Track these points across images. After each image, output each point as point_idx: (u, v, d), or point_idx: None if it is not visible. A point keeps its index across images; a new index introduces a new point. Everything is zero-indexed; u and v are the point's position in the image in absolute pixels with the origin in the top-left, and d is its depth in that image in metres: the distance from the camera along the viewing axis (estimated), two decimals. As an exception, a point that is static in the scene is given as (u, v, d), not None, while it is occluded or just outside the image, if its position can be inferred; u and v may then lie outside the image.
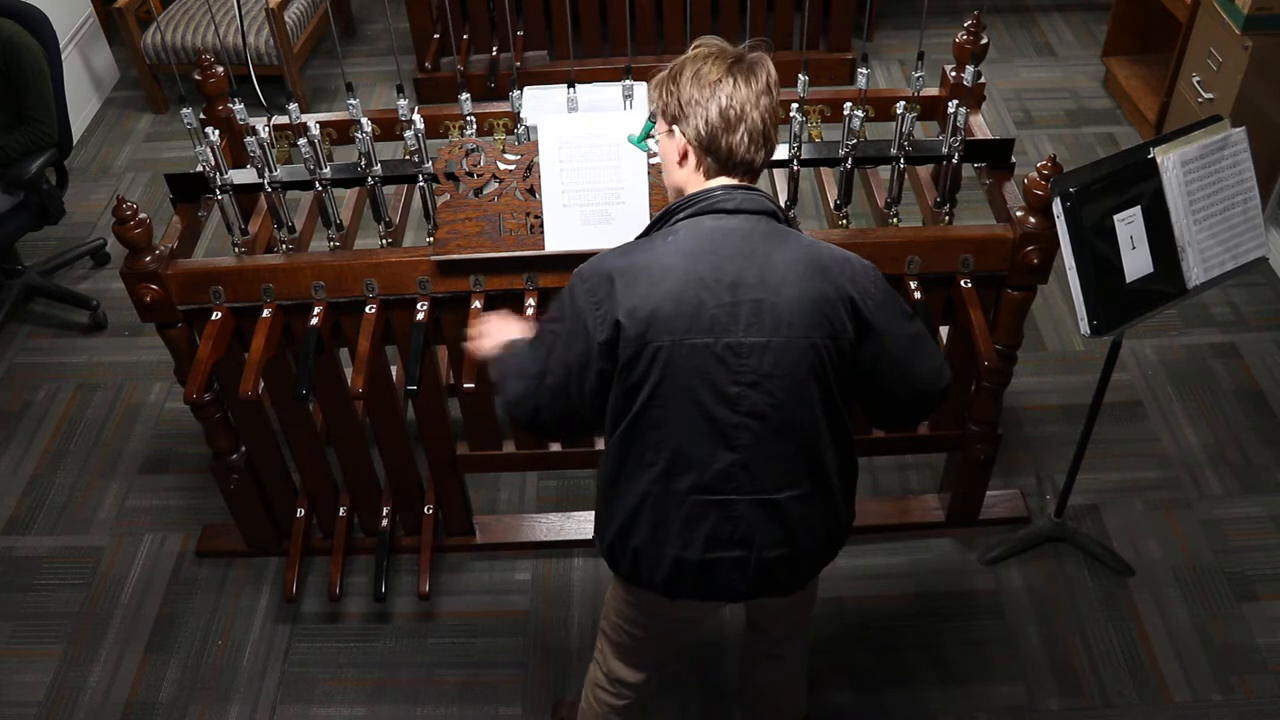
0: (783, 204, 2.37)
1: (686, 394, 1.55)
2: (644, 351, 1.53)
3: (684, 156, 1.61)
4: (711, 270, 1.53)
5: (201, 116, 2.46)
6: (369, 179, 2.21)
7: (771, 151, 1.61)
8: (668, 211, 1.62)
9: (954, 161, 2.25)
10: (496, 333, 1.78)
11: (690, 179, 1.62)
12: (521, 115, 2.23)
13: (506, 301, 2.18)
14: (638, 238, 1.66)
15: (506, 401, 1.67)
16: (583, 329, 1.56)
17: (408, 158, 2.21)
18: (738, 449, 1.57)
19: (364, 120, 2.16)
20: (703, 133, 1.56)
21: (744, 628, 2.11)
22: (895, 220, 2.31)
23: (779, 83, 1.59)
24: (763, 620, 2.01)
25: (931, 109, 2.57)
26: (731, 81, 1.54)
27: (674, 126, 1.59)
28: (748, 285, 1.53)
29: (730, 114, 1.54)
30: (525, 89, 2.24)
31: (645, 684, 1.98)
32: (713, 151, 1.57)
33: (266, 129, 2.27)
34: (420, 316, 2.17)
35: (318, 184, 2.21)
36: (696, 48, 1.60)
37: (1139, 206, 2.02)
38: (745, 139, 1.56)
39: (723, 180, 1.60)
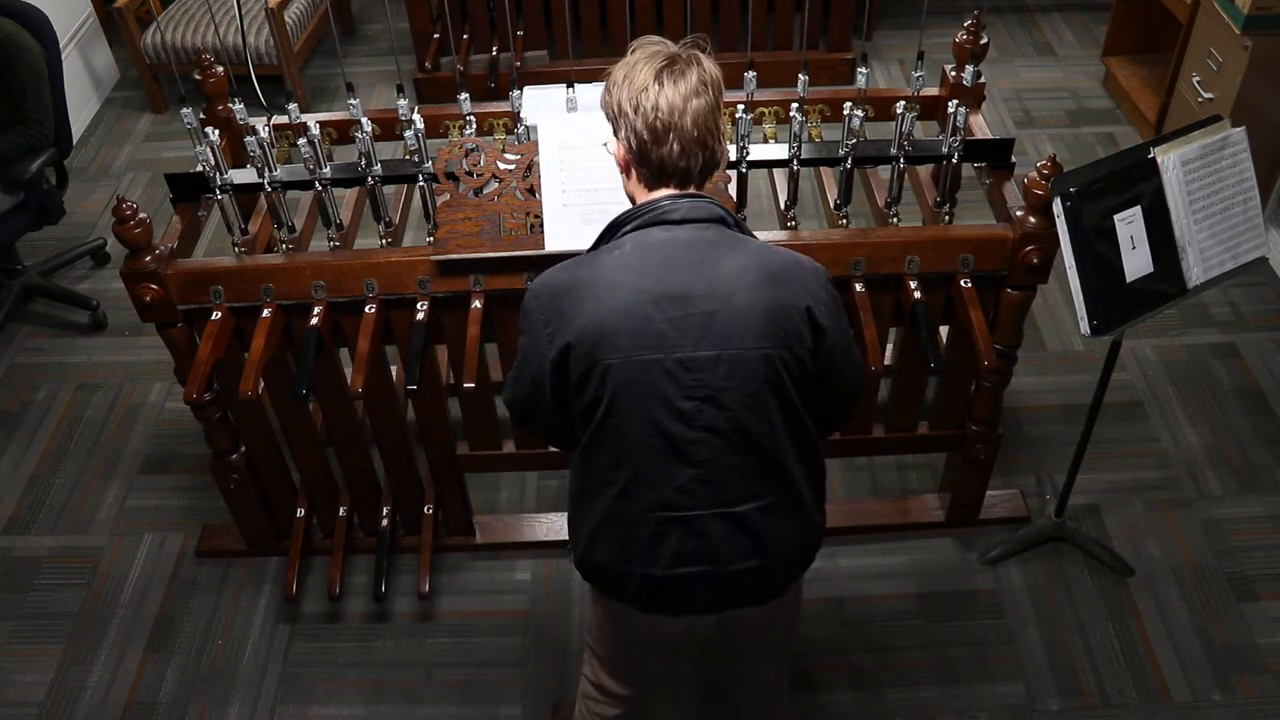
0: (783, 204, 2.38)
1: (640, 412, 1.52)
2: (594, 370, 1.51)
3: (626, 167, 1.58)
4: (658, 283, 1.49)
5: (201, 116, 2.46)
6: (369, 179, 2.21)
7: (714, 153, 1.54)
8: (614, 224, 1.59)
9: (954, 161, 2.25)
10: None
11: (636, 189, 1.60)
12: (521, 115, 2.22)
13: (506, 302, 2.19)
14: (587, 250, 1.62)
15: (505, 401, 1.70)
16: (537, 346, 1.55)
17: (408, 158, 2.21)
18: (696, 464, 1.54)
19: (364, 120, 2.16)
20: (633, 145, 1.52)
21: (719, 657, 2.03)
22: (895, 220, 2.31)
23: (718, 80, 1.53)
24: (741, 640, 1.94)
25: (931, 109, 2.57)
26: (658, 88, 1.48)
27: (616, 134, 1.56)
28: (696, 297, 1.49)
29: (658, 125, 1.48)
30: (525, 89, 2.24)
31: (636, 696, 1.95)
32: (646, 163, 1.53)
33: (266, 129, 2.27)
34: (420, 316, 2.17)
35: (318, 184, 2.21)
36: (632, 50, 1.54)
37: (1139, 206, 2.02)
38: (676, 148, 1.50)
39: (667, 190, 1.56)
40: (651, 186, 1.57)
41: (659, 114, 1.48)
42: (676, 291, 1.49)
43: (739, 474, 1.56)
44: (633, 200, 1.61)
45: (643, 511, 1.58)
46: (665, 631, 1.82)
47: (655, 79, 1.48)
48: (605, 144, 1.64)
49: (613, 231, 1.59)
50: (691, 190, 1.57)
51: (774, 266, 1.54)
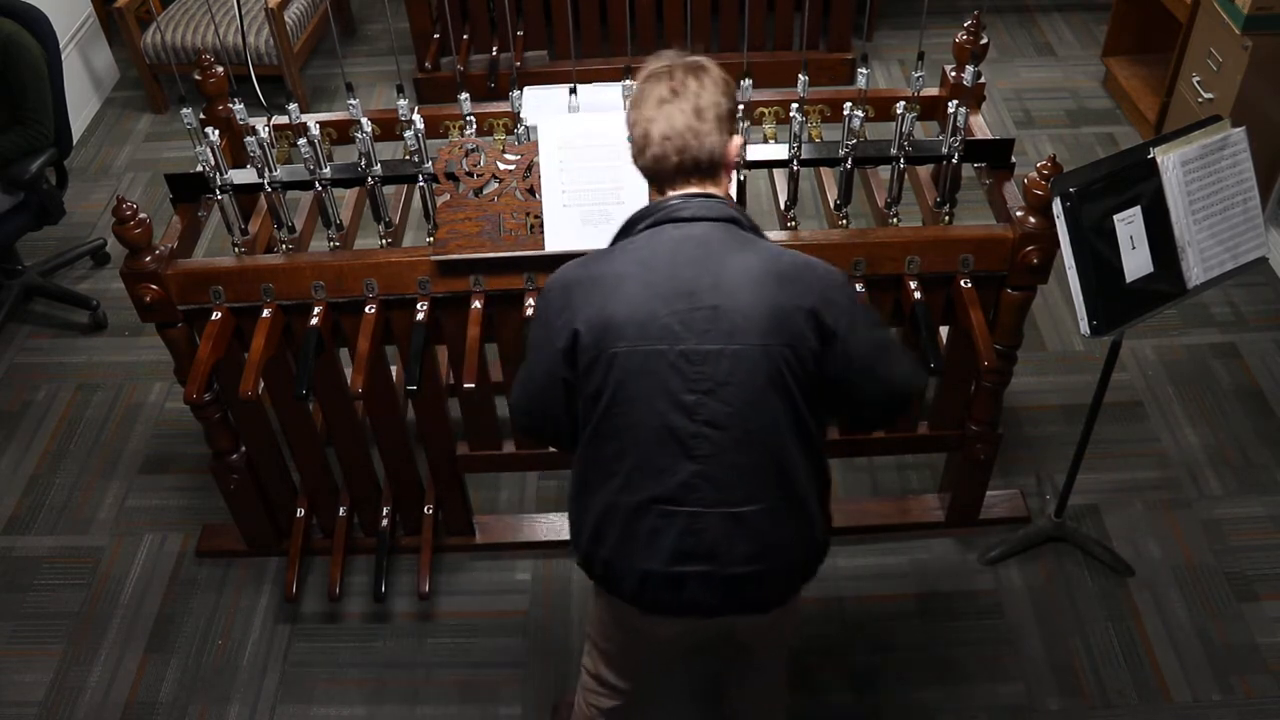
0: (783, 204, 2.38)
1: (643, 402, 1.54)
2: (600, 359, 1.55)
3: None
4: (666, 278, 1.54)
5: (201, 116, 2.46)
6: (369, 179, 2.21)
7: (690, 151, 1.56)
8: (630, 221, 1.64)
9: (954, 161, 2.25)
10: None
11: (651, 195, 1.66)
12: (521, 115, 2.23)
13: (506, 302, 2.19)
14: (605, 248, 1.68)
15: (509, 405, 1.71)
16: (549, 338, 1.59)
17: (408, 158, 2.21)
18: (697, 459, 1.56)
19: (364, 120, 2.16)
20: (632, 152, 1.62)
21: (721, 657, 2.05)
22: (895, 220, 2.31)
23: (692, 86, 1.55)
24: (744, 643, 1.94)
25: (931, 109, 2.57)
26: (639, 101, 1.58)
27: None
28: (703, 292, 1.53)
29: (637, 136, 1.58)
30: (525, 89, 2.24)
31: (634, 689, 1.95)
32: (642, 168, 1.62)
33: (266, 129, 2.27)
34: (420, 316, 2.17)
35: (318, 184, 2.21)
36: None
37: (1139, 206, 2.02)
38: (654, 152, 1.57)
39: (676, 191, 1.61)
40: (658, 190, 1.63)
41: (635, 126, 1.59)
42: (684, 287, 1.53)
43: (740, 473, 1.57)
44: None
45: (643, 504, 1.59)
46: (665, 634, 1.81)
47: (640, 95, 1.59)
48: None
49: (629, 228, 1.64)
50: (696, 189, 1.60)
51: (782, 266, 1.57)
